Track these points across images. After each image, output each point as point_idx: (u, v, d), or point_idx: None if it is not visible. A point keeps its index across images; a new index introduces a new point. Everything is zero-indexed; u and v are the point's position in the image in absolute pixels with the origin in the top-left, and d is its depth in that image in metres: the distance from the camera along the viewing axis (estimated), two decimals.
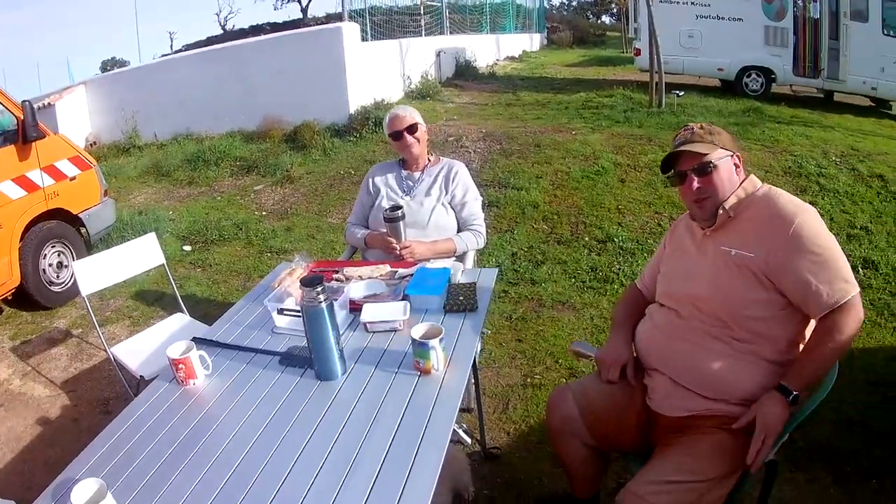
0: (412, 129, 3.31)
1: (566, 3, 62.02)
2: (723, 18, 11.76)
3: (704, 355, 2.01)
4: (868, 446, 3.02)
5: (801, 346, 1.99)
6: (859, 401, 3.32)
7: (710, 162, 2.04)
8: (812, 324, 1.97)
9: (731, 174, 2.07)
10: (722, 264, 2.03)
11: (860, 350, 3.87)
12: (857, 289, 1.92)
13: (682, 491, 1.82)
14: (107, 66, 43.79)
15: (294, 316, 2.36)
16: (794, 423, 1.88)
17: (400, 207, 3.11)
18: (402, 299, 2.53)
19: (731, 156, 2.09)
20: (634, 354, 2.29)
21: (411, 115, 3.34)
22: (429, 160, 3.45)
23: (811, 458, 2.93)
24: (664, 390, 2.10)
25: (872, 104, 11.24)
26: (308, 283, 1.98)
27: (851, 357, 3.77)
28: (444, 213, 3.29)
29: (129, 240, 3.69)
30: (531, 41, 25.81)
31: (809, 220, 1.93)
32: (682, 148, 2.09)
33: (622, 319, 2.41)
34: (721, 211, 2.05)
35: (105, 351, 3.40)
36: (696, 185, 2.07)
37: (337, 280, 2.78)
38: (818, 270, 1.88)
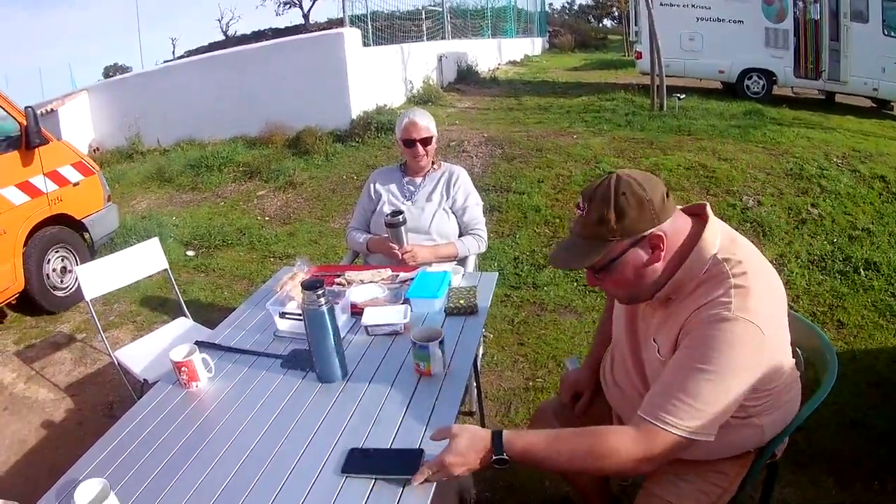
0: (426, 141, 3.32)
1: (567, 6, 62.26)
2: (723, 21, 11.77)
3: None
4: (870, 448, 3.03)
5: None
6: (861, 402, 3.33)
7: (603, 265, 1.63)
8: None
9: (640, 266, 1.62)
10: (650, 358, 1.73)
11: (862, 352, 3.88)
12: (700, 437, 1.49)
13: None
14: (109, 72, 43.99)
15: (296, 319, 2.38)
16: (795, 425, 1.84)
17: (401, 213, 3.13)
18: (403, 303, 2.55)
19: (639, 242, 1.59)
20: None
21: (428, 125, 3.34)
22: (432, 164, 3.47)
23: (813, 459, 2.93)
24: None
25: (874, 105, 11.24)
26: (309, 286, 1.99)
27: (853, 358, 3.80)
28: (446, 218, 3.31)
29: (132, 245, 3.71)
30: (533, 45, 25.91)
31: (731, 354, 1.48)
32: (553, 261, 1.75)
33: (597, 343, 2.26)
34: (659, 296, 1.67)
35: (109, 355, 3.41)
36: (600, 286, 1.73)
37: (339, 284, 2.80)
38: (681, 386, 1.50)
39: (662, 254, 1.60)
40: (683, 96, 9.87)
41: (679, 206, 1.70)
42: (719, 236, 1.63)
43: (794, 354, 2.02)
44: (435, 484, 1.60)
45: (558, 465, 1.58)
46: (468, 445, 1.55)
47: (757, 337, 1.49)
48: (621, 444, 1.50)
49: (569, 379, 2.25)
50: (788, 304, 1.69)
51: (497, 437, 1.54)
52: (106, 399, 3.95)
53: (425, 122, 3.32)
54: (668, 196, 1.60)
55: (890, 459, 2.94)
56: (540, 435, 1.58)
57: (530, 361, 3.94)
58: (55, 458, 3.40)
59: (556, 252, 1.72)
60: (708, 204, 1.70)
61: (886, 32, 10.34)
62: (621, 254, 1.59)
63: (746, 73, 11.75)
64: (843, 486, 2.83)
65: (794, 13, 11.23)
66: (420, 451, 1.69)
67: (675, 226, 1.62)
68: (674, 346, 1.61)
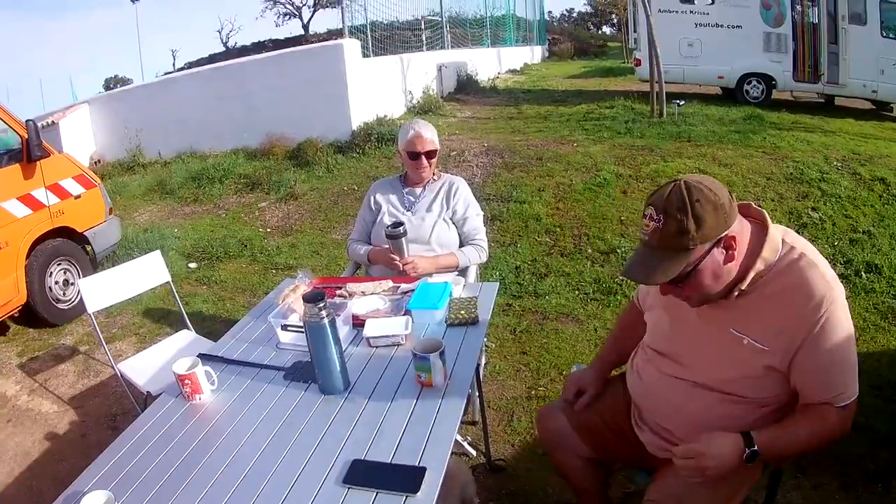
0: (431, 154, 3.34)
1: (567, 14, 62.39)
2: (722, 26, 11.74)
3: (688, 408, 1.88)
4: (873, 450, 3.03)
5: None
6: (864, 405, 3.30)
7: (683, 274, 1.68)
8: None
9: (718, 269, 1.69)
10: (728, 349, 1.78)
11: (864, 355, 3.87)
12: (857, 394, 1.74)
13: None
14: (110, 83, 44.14)
15: (298, 331, 2.39)
16: None
17: (401, 224, 3.14)
18: (405, 314, 2.56)
19: (716, 245, 1.66)
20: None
21: (433, 138, 3.35)
22: (431, 176, 3.48)
23: (816, 463, 2.93)
24: (650, 435, 2.02)
25: (873, 107, 11.24)
26: (310, 298, 2.01)
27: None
28: (446, 229, 3.33)
29: (134, 257, 3.73)
30: (532, 54, 25.92)
31: (837, 310, 1.66)
32: (631, 276, 1.81)
33: (610, 349, 2.33)
34: (735, 293, 1.74)
35: (112, 367, 3.41)
36: (674, 293, 1.77)
37: (340, 296, 2.81)
38: (830, 367, 1.69)
39: (735, 253, 1.67)
40: (683, 102, 9.89)
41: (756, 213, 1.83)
42: (780, 236, 1.75)
43: None
44: (437, 492, 1.62)
45: (796, 448, 1.75)
46: (720, 449, 1.65)
47: (843, 297, 1.70)
48: (835, 424, 1.70)
49: (574, 376, 2.28)
50: None
51: (746, 434, 1.66)
52: (109, 411, 3.96)
53: (430, 135, 3.34)
54: (732, 197, 1.68)
55: (893, 462, 2.95)
56: (775, 426, 1.73)
57: (532, 370, 3.95)
58: (59, 470, 3.42)
59: (634, 267, 1.75)
60: (760, 207, 1.81)
61: (885, 34, 10.36)
62: (701, 260, 1.65)
63: (746, 78, 11.72)
64: (846, 489, 2.83)
65: (793, 17, 11.22)
66: (422, 469, 1.70)
67: (742, 225, 1.71)
68: (765, 328, 1.72)
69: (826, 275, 1.68)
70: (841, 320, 1.67)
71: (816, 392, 1.71)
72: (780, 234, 1.75)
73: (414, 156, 3.34)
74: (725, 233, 1.64)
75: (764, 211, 1.78)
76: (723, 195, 1.63)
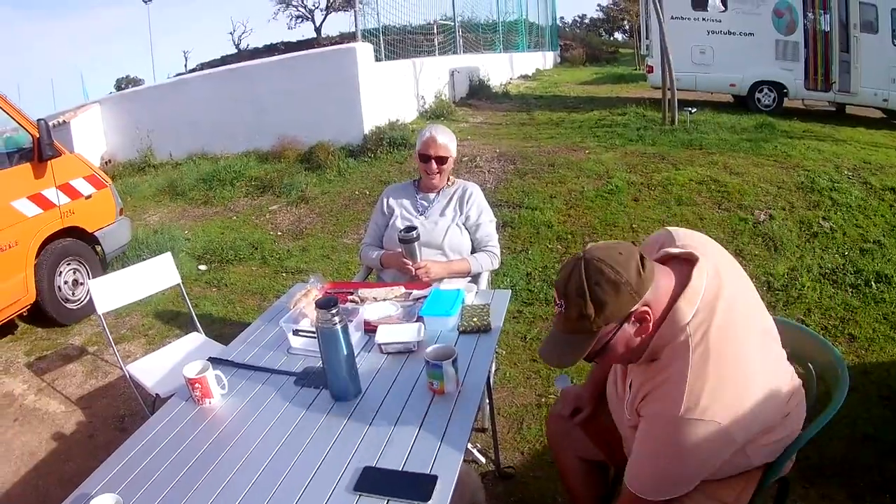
0: (442, 160, 3.32)
1: (579, 20, 62.44)
2: (734, 34, 11.72)
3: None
4: (882, 461, 3.01)
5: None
6: (873, 415, 3.31)
7: (593, 353, 1.64)
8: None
9: (630, 341, 1.61)
10: (623, 396, 1.80)
11: (874, 365, 3.86)
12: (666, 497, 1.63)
13: None
14: (121, 83, 44.35)
15: (309, 337, 2.38)
16: (804, 441, 1.82)
17: (415, 228, 3.12)
18: (417, 321, 2.55)
19: (626, 320, 1.58)
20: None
21: (448, 144, 3.32)
22: (446, 181, 3.46)
23: (824, 473, 2.92)
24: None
25: (884, 115, 11.17)
26: (323, 304, 2.00)
27: (865, 371, 3.78)
28: (459, 234, 3.31)
29: (144, 258, 3.73)
30: (544, 59, 25.92)
31: (688, 432, 1.52)
32: (545, 359, 1.73)
33: (595, 368, 2.25)
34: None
35: (121, 368, 3.43)
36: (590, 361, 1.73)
37: (352, 301, 2.80)
38: (653, 455, 1.62)
39: (650, 325, 1.59)
40: (695, 110, 9.84)
41: (674, 249, 1.71)
42: (700, 296, 1.60)
43: (804, 367, 2.02)
44: (448, 501, 1.62)
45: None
46: None
47: (713, 434, 1.52)
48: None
49: (570, 394, 2.26)
50: (799, 319, 1.68)
51: None
52: (117, 412, 3.96)
53: (444, 141, 3.31)
54: (643, 265, 1.56)
55: None
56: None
57: (542, 378, 3.92)
58: (65, 470, 3.42)
59: (547, 349, 1.70)
60: (699, 257, 1.65)
61: None
62: (610, 338, 1.59)
63: (757, 86, 11.68)
64: (854, 499, 2.82)
65: (805, 25, 11.19)
66: (434, 478, 1.69)
67: (658, 292, 1.59)
68: (636, 404, 1.68)
69: (703, 391, 1.52)
70: (689, 466, 1.58)
71: (628, 470, 1.68)
72: (693, 310, 1.58)
73: (424, 158, 3.33)
74: (635, 308, 1.56)
75: (694, 253, 1.66)
76: (627, 271, 1.53)
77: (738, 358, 1.58)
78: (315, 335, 2.08)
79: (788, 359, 1.83)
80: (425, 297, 2.74)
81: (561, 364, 1.68)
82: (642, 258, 1.57)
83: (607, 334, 1.58)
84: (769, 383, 1.63)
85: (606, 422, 2.10)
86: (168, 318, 5.18)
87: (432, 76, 12.08)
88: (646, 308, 1.56)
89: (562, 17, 48.53)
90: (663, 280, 1.61)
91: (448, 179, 3.46)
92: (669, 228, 1.85)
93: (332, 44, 14.18)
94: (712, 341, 1.56)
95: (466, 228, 3.35)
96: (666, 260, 1.72)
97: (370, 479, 1.71)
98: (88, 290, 3.43)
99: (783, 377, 1.74)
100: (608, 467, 2.30)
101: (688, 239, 1.77)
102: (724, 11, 11.72)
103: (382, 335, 2.42)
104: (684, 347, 1.57)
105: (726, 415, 1.52)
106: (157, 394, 3.04)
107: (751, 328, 1.66)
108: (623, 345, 1.61)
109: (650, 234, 5.69)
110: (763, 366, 1.63)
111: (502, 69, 18.20)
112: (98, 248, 5.57)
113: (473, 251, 3.36)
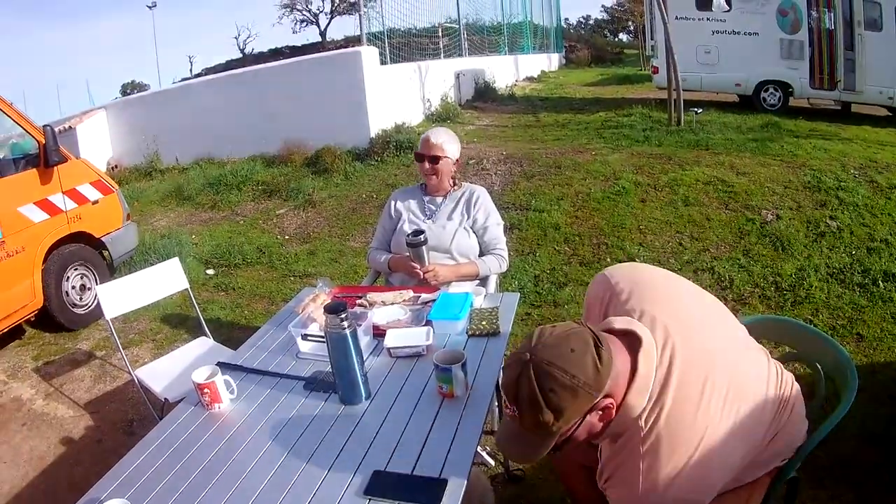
0: (434, 159, 3.31)
1: (583, 21, 62.39)
2: (738, 33, 11.69)
3: None
4: (891, 461, 3.00)
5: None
6: (882, 415, 3.29)
7: (557, 446, 1.54)
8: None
9: (594, 428, 1.53)
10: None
11: (882, 364, 3.84)
12: None
13: None
14: (127, 89, 44.56)
15: (318, 341, 2.38)
16: (817, 439, 1.83)
17: (422, 232, 3.12)
18: (426, 325, 2.55)
19: (588, 413, 1.47)
20: None
21: (442, 145, 3.31)
22: (453, 184, 3.45)
23: (833, 474, 2.90)
24: None
25: (889, 114, 11.12)
26: (332, 309, 2.00)
27: (873, 371, 3.76)
28: (466, 237, 3.30)
29: (152, 263, 3.74)
30: (549, 61, 25.94)
31: None
32: (505, 452, 1.79)
33: None
34: None
35: (129, 373, 3.43)
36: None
37: (360, 306, 2.80)
38: None
39: (613, 410, 1.49)
40: (700, 110, 9.83)
41: (618, 324, 1.60)
42: (650, 386, 1.52)
43: (812, 367, 2.01)
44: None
45: None
46: None
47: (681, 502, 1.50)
48: None
49: None
50: (807, 318, 1.64)
51: None
52: (125, 417, 3.97)
53: (438, 141, 3.30)
54: (600, 358, 1.43)
55: None
56: None
57: None
58: (74, 475, 3.43)
59: (506, 443, 1.62)
60: (642, 336, 1.55)
61: None
62: (572, 432, 1.49)
63: (763, 85, 11.67)
64: (863, 499, 2.80)
65: (809, 23, 11.15)
66: (443, 482, 1.69)
67: (618, 379, 1.49)
68: (602, 482, 1.63)
69: (658, 479, 1.48)
70: None
71: None
72: (644, 401, 1.52)
73: (419, 158, 3.36)
74: (596, 402, 1.45)
75: (637, 333, 1.56)
76: (583, 372, 1.41)
77: (693, 436, 1.51)
78: (324, 340, 2.08)
79: (793, 359, 1.80)
80: (434, 300, 2.74)
81: (524, 461, 1.66)
82: (597, 347, 1.45)
83: (570, 430, 1.49)
84: (738, 436, 1.57)
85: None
86: (176, 322, 5.19)
87: (438, 79, 12.08)
88: (609, 400, 1.47)
89: (566, 19, 48.65)
90: (620, 361, 1.50)
91: (455, 183, 3.45)
92: (607, 274, 1.79)
93: (337, 48, 14.21)
94: (662, 429, 1.50)
95: (474, 232, 3.34)
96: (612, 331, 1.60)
97: (380, 484, 1.70)
98: (96, 295, 3.43)
99: (760, 412, 1.65)
100: None
101: (629, 293, 1.70)
102: (728, 11, 11.72)
103: (391, 339, 2.42)
104: (636, 440, 1.52)
105: (688, 487, 1.49)
106: (165, 398, 3.04)
107: (708, 390, 1.55)
108: (586, 432, 1.52)
109: (658, 235, 5.65)
110: (728, 421, 1.55)
111: (507, 71, 18.21)
112: (105, 254, 5.59)
113: (481, 254, 3.35)
